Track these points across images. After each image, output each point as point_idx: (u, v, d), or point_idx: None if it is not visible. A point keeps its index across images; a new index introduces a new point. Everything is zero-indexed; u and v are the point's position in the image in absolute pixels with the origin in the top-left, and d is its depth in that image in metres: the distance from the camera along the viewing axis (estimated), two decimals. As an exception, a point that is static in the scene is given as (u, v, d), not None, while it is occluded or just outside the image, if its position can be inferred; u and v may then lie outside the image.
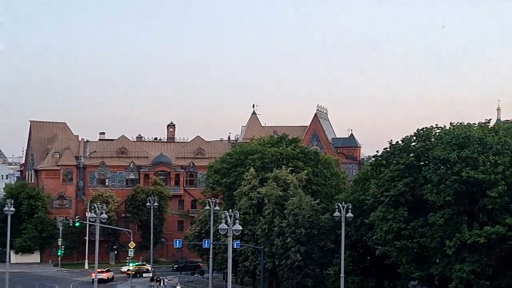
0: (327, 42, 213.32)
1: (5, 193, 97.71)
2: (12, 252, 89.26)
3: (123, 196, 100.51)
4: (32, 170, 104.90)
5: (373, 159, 61.08)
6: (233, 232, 39.55)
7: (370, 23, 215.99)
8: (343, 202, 53.30)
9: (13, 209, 64.12)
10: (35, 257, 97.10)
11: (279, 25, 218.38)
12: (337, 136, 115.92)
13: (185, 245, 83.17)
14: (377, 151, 58.17)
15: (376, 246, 53.65)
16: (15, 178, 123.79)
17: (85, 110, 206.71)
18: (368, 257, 60.13)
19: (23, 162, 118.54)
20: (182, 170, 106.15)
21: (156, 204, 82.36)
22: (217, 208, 65.73)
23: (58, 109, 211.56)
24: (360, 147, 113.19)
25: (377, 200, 53.56)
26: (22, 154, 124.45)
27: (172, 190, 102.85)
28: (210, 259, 66.62)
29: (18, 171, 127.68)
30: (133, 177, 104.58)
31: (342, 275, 52.49)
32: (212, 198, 68.66)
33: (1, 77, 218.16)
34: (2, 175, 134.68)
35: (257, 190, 65.22)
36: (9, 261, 68.42)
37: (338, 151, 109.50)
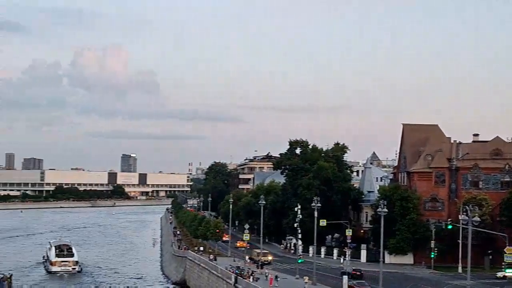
0: None
1: (379, 195, 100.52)
2: (386, 253, 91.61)
3: (498, 199, 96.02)
4: (405, 173, 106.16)
5: None
6: None
7: None
8: None
9: (386, 210, 65.45)
10: (408, 259, 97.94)
11: None
12: None
13: None
14: None
15: None
16: (389, 180, 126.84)
17: (457, 112, 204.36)
18: None
19: (396, 164, 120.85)
20: None
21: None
22: None
23: (430, 111, 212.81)
24: None
25: None
26: (395, 156, 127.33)
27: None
28: None
29: (392, 173, 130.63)
30: (509, 179, 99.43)
31: None
32: None
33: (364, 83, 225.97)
34: (377, 177, 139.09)
35: None
36: (383, 261, 70.10)
37: None
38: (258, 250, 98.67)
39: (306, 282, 70.95)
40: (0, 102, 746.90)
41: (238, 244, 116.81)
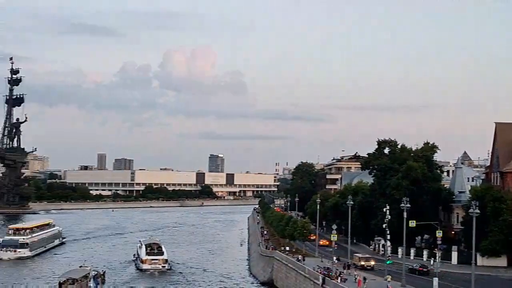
0: None
1: (470, 195, 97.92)
2: (478, 255, 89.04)
3: None
4: (497, 173, 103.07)
5: None
6: None
7: None
8: None
9: (478, 211, 63.60)
10: (502, 261, 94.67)
11: None
12: None
13: None
14: None
15: None
16: (480, 181, 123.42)
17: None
18: None
19: (488, 164, 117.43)
20: None
21: None
22: None
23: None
24: None
25: None
26: (488, 156, 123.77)
27: None
28: None
29: (484, 173, 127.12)
30: None
31: None
32: None
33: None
34: (468, 178, 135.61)
35: None
36: (475, 263, 68.18)
37: None
38: (359, 255, 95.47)
39: (389, 281, 70.48)
40: (93, 104, 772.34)
41: (321, 242, 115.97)
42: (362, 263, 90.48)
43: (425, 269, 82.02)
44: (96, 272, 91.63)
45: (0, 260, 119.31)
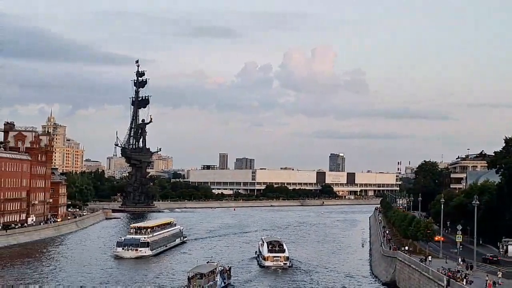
0: None
1: None
2: None
3: None
4: None
5: None
6: None
7: None
8: None
9: None
10: None
11: None
12: None
13: None
14: None
15: None
16: None
17: None
18: None
19: None
20: None
21: None
22: None
23: None
24: None
25: None
26: None
27: None
28: None
29: None
30: None
31: None
32: None
33: None
34: None
35: None
36: None
37: None
38: None
39: (499, 278, 70.65)
40: (214, 105, 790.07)
41: (436, 238, 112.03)
42: None
43: (495, 258, 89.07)
44: (222, 268, 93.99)
45: (121, 258, 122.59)
